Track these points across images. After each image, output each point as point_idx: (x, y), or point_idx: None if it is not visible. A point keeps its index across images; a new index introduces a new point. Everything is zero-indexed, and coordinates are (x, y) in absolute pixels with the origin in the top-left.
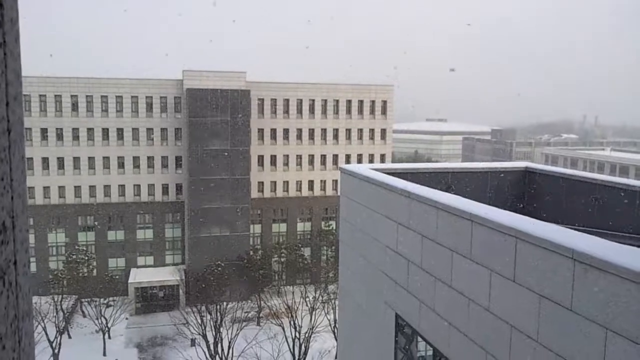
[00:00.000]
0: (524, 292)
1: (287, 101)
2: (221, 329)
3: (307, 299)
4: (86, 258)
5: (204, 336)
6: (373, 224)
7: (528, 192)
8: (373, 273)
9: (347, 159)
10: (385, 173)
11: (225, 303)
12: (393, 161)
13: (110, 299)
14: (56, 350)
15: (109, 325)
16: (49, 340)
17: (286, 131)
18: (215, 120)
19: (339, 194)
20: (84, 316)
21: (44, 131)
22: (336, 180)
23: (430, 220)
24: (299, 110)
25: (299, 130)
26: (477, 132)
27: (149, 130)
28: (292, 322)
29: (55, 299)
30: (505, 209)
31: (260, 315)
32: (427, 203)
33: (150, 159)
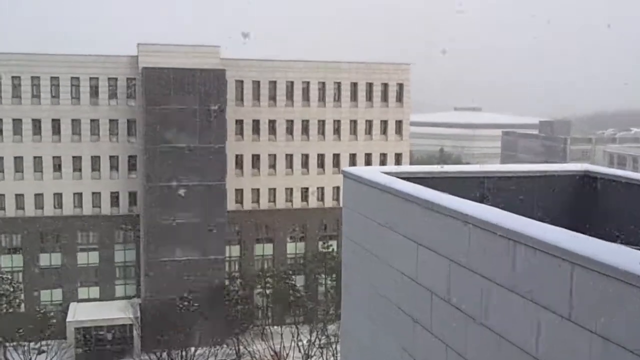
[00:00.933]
0: (583, 334)
1: (273, 84)
2: None
3: (300, 343)
4: (11, 289)
5: None
6: (386, 244)
7: (588, 202)
8: (385, 309)
9: (352, 160)
10: (401, 178)
11: (193, 348)
12: (411, 162)
13: (43, 342)
14: None
15: None
16: None
17: (272, 123)
18: (180, 108)
19: (341, 205)
20: None
21: None
22: (338, 188)
23: (459, 240)
24: (289, 96)
25: (290, 122)
26: (520, 124)
27: (94, 122)
28: None
29: None
30: (558, 225)
31: None
32: (455, 217)
33: (95, 159)
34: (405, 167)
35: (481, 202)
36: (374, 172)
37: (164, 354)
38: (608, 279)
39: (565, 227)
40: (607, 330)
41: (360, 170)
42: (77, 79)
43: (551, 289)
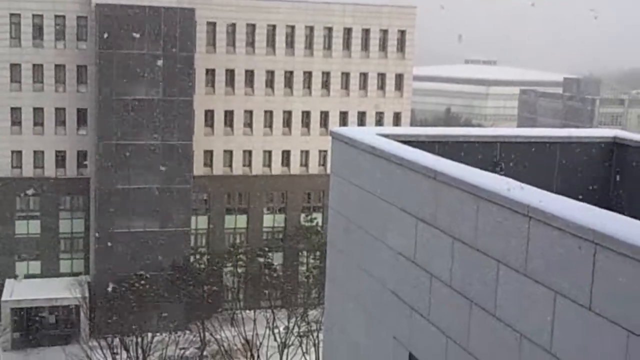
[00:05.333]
0: (605, 326)
1: (252, 27)
2: None
3: (277, 330)
4: None
5: None
6: (379, 219)
7: (616, 174)
8: (377, 293)
9: (343, 120)
10: (400, 141)
11: (150, 334)
12: (413, 123)
13: None
14: None
15: None
16: None
17: (250, 74)
18: (140, 54)
19: (328, 171)
20: None
21: None
22: (325, 152)
23: (466, 215)
24: (271, 43)
25: (270, 73)
26: (541, 81)
27: (37, 68)
28: None
29: None
30: (581, 200)
31: (205, 353)
32: (462, 189)
33: (37, 111)
34: (405, 129)
35: (493, 171)
36: (368, 134)
37: (116, 340)
38: (636, 263)
39: (589, 202)
40: (633, 322)
41: (352, 131)
42: (18, 15)
43: (570, 274)
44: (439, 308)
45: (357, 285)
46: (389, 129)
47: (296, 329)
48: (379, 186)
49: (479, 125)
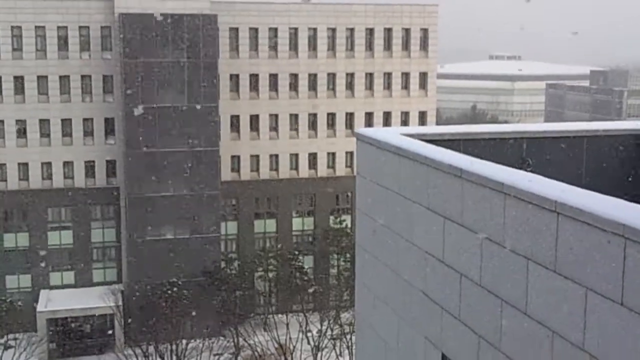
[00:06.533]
0: (637, 320)
1: (274, 31)
2: None
3: (310, 334)
4: None
5: None
6: (407, 219)
7: None
8: (407, 294)
9: (368, 120)
10: (424, 140)
11: (185, 341)
12: (439, 122)
13: (10, 336)
14: None
15: None
16: None
17: (274, 77)
18: (164, 62)
19: (355, 173)
20: None
21: None
22: (351, 153)
23: (494, 214)
24: (293, 46)
25: (294, 77)
26: (568, 75)
27: (63, 79)
28: None
29: None
30: (610, 194)
31: (239, 358)
32: (489, 187)
33: (65, 122)
34: (430, 128)
35: (521, 168)
36: (393, 134)
37: (151, 348)
38: None
39: (619, 196)
40: None
41: (377, 131)
42: (43, 28)
43: (600, 269)
44: (469, 307)
45: (386, 287)
46: (413, 128)
47: (329, 332)
48: (405, 186)
49: (506, 122)
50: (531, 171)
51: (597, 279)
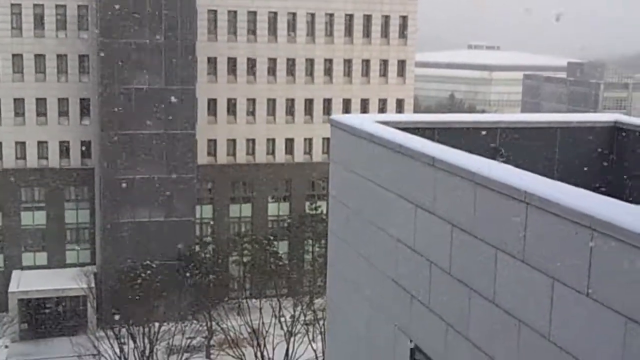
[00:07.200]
0: (604, 313)
1: (253, 15)
2: None
3: (283, 319)
4: None
5: None
6: (379, 206)
7: (616, 159)
8: (378, 282)
9: (346, 107)
10: (399, 128)
11: (157, 324)
12: (416, 110)
13: None
14: None
15: None
16: None
17: (252, 62)
18: (141, 43)
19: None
20: None
21: None
22: (328, 139)
23: (465, 202)
24: (272, 30)
25: (272, 61)
26: (545, 66)
27: (39, 58)
28: (259, 354)
29: None
30: (581, 186)
31: (212, 342)
32: (461, 175)
33: (40, 102)
34: (404, 116)
35: (493, 157)
36: (366, 121)
37: (123, 331)
38: (635, 250)
39: (589, 188)
40: (632, 309)
41: (351, 118)
42: (19, 5)
43: (567, 260)
44: (438, 295)
45: (358, 274)
46: (388, 116)
47: (302, 318)
48: (378, 173)
49: (483, 111)
50: (504, 161)
51: (564, 270)
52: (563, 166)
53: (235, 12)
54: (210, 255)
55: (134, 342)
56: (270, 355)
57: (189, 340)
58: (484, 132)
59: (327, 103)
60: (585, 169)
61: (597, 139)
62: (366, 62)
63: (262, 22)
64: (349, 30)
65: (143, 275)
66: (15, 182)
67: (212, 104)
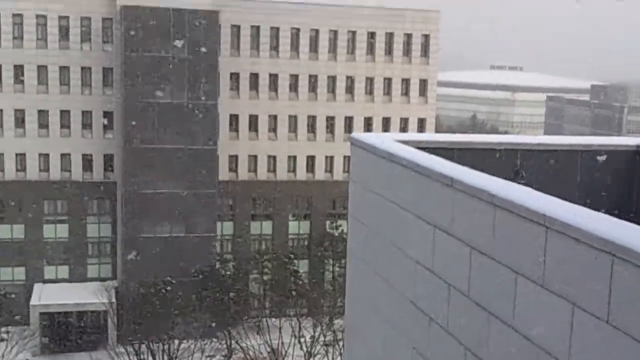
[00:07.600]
0: (624, 340)
1: (276, 31)
2: None
3: (302, 339)
4: None
5: None
6: (398, 227)
7: (638, 184)
8: (396, 303)
9: (367, 125)
10: (419, 148)
11: (177, 341)
12: (438, 130)
13: (3, 329)
14: None
15: None
16: None
17: (274, 78)
18: (165, 56)
19: None
20: None
21: None
22: (349, 157)
23: (483, 225)
24: (295, 47)
25: (294, 78)
26: (568, 88)
27: (63, 70)
28: None
29: None
30: (602, 210)
31: None
32: (479, 197)
33: (64, 114)
34: (424, 135)
35: (514, 180)
36: (387, 140)
37: (143, 347)
38: None
39: (611, 212)
40: None
41: (371, 137)
42: (44, 17)
43: (587, 286)
44: (457, 318)
45: (376, 295)
46: (408, 135)
47: (322, 338)
48: (397, 193)
49: (505, 132)
50: (524, 183)
51: (584, 296)
52: (584, 190)
53: (258, 27)
54: (230, 273)
55: (154, 359)
56: None
57: (208, 359)
58: (504, 154)
59: (349, 121)
60: (607, 193)
61: (621, 164)
62: (388, 81)
63: (285, 37)
64: (371, 48)
65: (164, 291)
66: (38, 194)
67: (234, 119)
